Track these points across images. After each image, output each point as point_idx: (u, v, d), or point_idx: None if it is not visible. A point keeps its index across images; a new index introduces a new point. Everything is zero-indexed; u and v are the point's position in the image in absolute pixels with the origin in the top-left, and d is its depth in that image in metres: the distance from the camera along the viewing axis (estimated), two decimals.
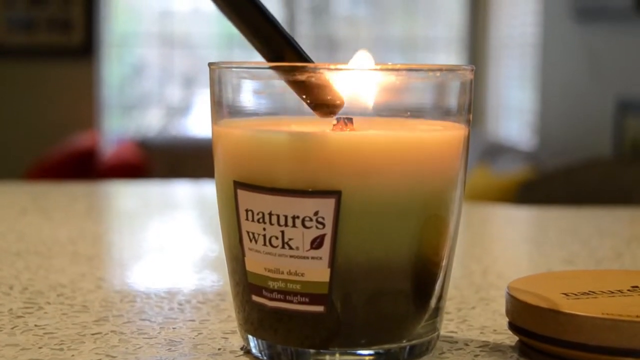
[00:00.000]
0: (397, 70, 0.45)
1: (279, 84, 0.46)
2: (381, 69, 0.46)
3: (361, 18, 5.40)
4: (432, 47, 4.97)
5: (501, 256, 0.78)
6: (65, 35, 4.25)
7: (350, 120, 0.47)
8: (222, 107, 0.48)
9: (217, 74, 0.48)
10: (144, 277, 0.67)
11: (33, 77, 4.27)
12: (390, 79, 0.45)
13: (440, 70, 0.46)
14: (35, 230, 0.83)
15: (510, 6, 4.29)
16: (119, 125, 4.73)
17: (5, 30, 4.22)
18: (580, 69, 3.55)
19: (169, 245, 0.81)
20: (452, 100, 0.47)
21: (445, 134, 0.46)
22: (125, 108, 4.88)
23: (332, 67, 0.46)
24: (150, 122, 4.86)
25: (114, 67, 4.69)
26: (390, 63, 0.46)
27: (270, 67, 0.46)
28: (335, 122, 0.46)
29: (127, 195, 1.17)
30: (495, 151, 3.57)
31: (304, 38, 5.17)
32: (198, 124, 4.95)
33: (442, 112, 0.47)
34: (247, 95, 0.48)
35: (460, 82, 0.47)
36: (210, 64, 0.48)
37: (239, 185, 0.45)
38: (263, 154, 0.45)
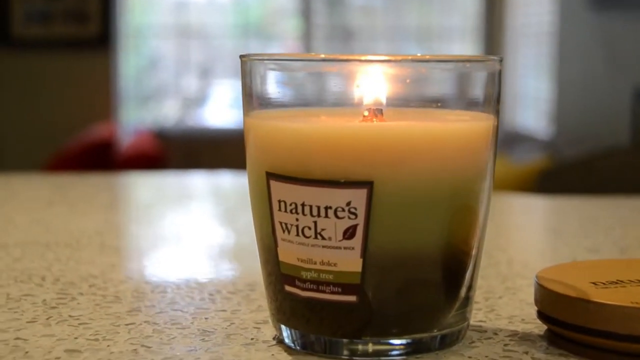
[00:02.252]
0: (427, 61, 0.46)
1: (309, 75, 0.47)
2: (411, 60, 0.46)
3: (376, 8, 5.39)
4: (448, 36, 4.96)
5: (525, 246, 0.78)
6: (81, 27, 4.26)
7: (380, 111, 0.47)
8: (253, 99, 0.49)
9: (249, 66, 0.48)
10: (173, 268, 0.68)
11: (50, 69, 4.29)
12: (419, 70, 0.46)
13: (468, 61, 0.47)
14: (62, 222, 0.84)
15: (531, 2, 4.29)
16: (136, 116, 4.75)
17: (22, 22, 4.23)
18: (597, 58, 3.53)
19: (193, 235, 0.81)
20: (481, 91, 0.47)
21: (475, 125, 0.47)
22: (142, 99, 4.89)
23: (362, 58, 0.46)
24: (167, 113, 4.87)
25: (131, 59, 4.70)
26: (418, 54, 0.47)
27: (300, 59, 0.46)
28: (365, 113, 0.47)
29: (148, 187, 1.18)
30: (513, 140, 3.57)
31: (320, 28, 5.17)
32: (214, 114, 4.96)
33: (470, 103, 0.48)
34: (277, 86, 0.48)
35: (489, 73, 0.47)
36: (241, 56, 0.49)
37: (271, 176, 0.46)
38: (296, 146, 0.45)
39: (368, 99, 0.47)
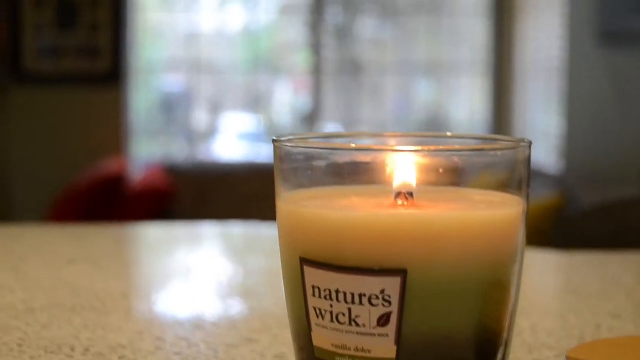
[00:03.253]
0: (459, 151, 0.46)
1: (341, 158, 0.48)
2: (444, 150, 0.47)
3: (386, 41, 5.43)
4: (457, 70, 4.99)
5: (548, 310, 0.79)
6: (92, 62, 4.29)
7: (411, 194, 0.48)
8: (285, 182, 0.49)
9: (281, 151, 0.49)
10: (200, 335, 0.68)
11: (61, 104, 4.31)
12: (452, 159, 0.46)
13: (500, 149, 0.48)
14: (87, 282, 0.84)
15: (535, 29, 4.30)
16: (147, 151, 4.77)
17: (34, 57, 4.26)
18: (608, 93, 3.55)
19: (221, 303, 0.82)
20: (511, 175, 0.48)
21: (507, 212, 0.47)
22: (153, 133, 4.91)
23: (395, 149, 0.47)
24: (177, 147, 4.89)
25: (141, 93, 4.73)
26: (449, 133, 0.47)
27: (333, 149, 0.47)
28: (395, 195, 0.47)
29: (171, 241, 1.19)
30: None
31: (329, 61, 5.20)
32: (225, 148, 4.98)
33: (501, 186, 0.48)
34: (309, 169, 0.49)
35: (519, 159, 0.48)
36: (274, 141, 0.50)
37: (305, 262, 0.46)
38: (330, 233, 0.46)
39: (399, 182, 0.48)
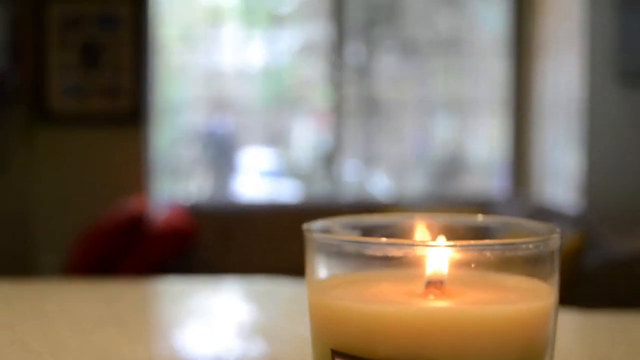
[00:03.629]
0: (492, 246, 0.47)
1: (373, 251, 0.48)
2: (476, 246, 0.47)
3: (405, 79, 5.45)
4: (477, 108, 4.99)
5: None
6: (115, 101, 4.33)
7: (442, 283, 0.48)
8: (314, 270, 0.50)
9: (312, 241, 0.49)
10: None
11: (85, 144, 4.34)
12: (484, 254, 0.47)
13: (533, 242, 0.48)
14: (114, 348, 0.85)
15: (555, 68, 4.30)
16: (168, 190, 4.78)
17: (59, 97, 4.31)
18: (628, 132, 3.54)
19: None
20: (542, 265, 0.48)
21: (538, 305, 0.47)
22: (174, 172, 4.93)
23: (427, 244, 0.47)
24: (199, 186, 4.91)
25: (163, 132, 4.76)
26: (480, 217, 0.48)
27: (365, 242, 0.48)
28: (426, 283, 0.48)
29: (194, 295, 1.19)
30: (542, 216, 3.56)
31: (350, 98, 5.22)
32: (246, 186, 4.99)
33: (532, 273, 0.49)
34: (339, 259, 0.49)
35: (550, 250, 0.48)
36: (305, 230, 0.50)
37: (336, 354, 0.47)
38: (361, 326, 0.46)
39: (430, 271, 0.48)
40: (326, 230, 0.50)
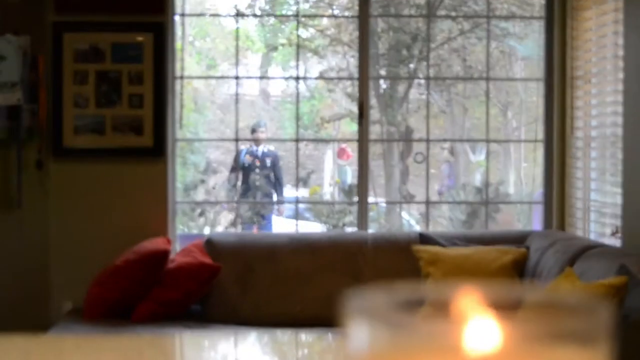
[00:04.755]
0: (544, 324, 0.47)
1: (414, 325, 0.49)
2: (528, 323, 0.48)
3: (434, 109, 5.47)
4: (513, 142, 4.98)
5: None
6: (135, 137, 4.35)
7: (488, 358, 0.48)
8: (356, 343, 0.51)
9: (354, 313, 0.50)
10: None
11: (104, 179, 4.37)
12: (536, 329, 0.47)
13: (586, 307, 0.48)
14: None
15: (593, 103, 4.30)
16: (190, 226, 4.80)
17: (75, 133, 4.34)
18: None
19: None
20: (596, 336, 0.49)
21: None
22: (194, 209, 4.96)
23: (475, 319, 0.47)
24: (219, 222, 4.93)
25: (183, 168, 4.79)
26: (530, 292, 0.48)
27: (407, 318, 0.48)
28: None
29: (218, 355, 1.20)
30: (583, 254, 3.54)
31: (376, 131, 5.23)
32: (269, 222, 5.02)
33: (584, 344, 0.49)
34: (382, 332, 0.50)
35: (599, 324, 0.49)
36: (346, 301, 0.51)
37: None
38: None
39: (477, 347, 0.48)
40: (368, 303, 0.50)
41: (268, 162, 6.39)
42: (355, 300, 0.51)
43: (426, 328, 0.48)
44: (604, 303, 0.50)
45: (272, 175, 6.15)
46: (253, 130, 6.65)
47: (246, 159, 6.25)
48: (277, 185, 6.39)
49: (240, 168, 6.06)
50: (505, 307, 0.53)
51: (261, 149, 6.57)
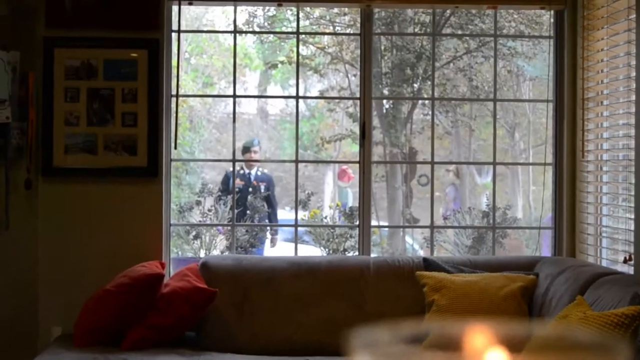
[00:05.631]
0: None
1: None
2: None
3: (438, 129, 5.46)
4: (518, 161, 4.97)
5: None
6: (128, 156, 4.34)
7: None
8: None
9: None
10: None
11: (95, 200, 4.35)
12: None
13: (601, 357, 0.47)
14: None
15: (603, 124, 4.30)
16: (184, 249, 4.78)
17: (66, 152, 4.33)
18: None
19: None
20: None
21: None
22: (189, 232, 4.94)
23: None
24: (214, 245, 4.91)
25: (178, 189, 4.77)
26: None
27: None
28: None
29: None
30: (595, 281, 3.52)
31: (379, 151, 5.22)
32: (267, 246, 4.99)
33: None
34: None
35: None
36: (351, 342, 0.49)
37: None
38: None
39: None
40: (374, 343, 0.49)
41: (262, 187, 6.06)
42: (359, 336, 0.49)
43: None
44: (621, 342, 0.48)
45: (265, 203, 5.78)
46: (245, 150, 6.31)
47: (237, 184, 5.81)
48: (272, 214, 5.93)
49: (229, 194, 5.48)
50: (515, 344, 0.52)
51: (254, 172, 6.21)
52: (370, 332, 0.51)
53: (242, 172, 5.92)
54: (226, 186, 5.50)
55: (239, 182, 5.58)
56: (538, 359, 0.46)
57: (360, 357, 0.49)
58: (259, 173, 6.18)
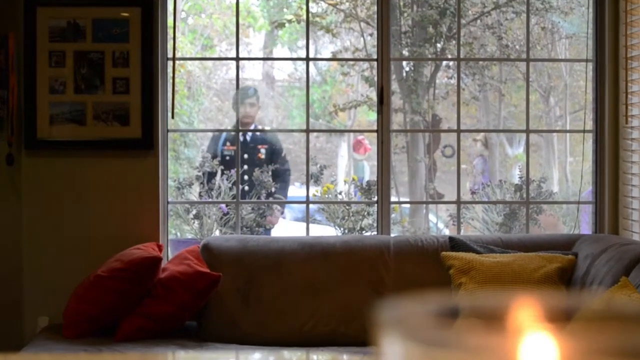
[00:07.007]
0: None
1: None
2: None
3: (464, 94, 5.46)
4: (554, 127, 4.96)
5: None
6: (120, 127, 4.34)
7: None
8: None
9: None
10: None
11: (84, 175, 4.36)
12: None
13: None
14: None
15: None
16: (183, 229, 4.79)
17: (51, 123, 4.33)
18: None
19: None
20: None
21: None
22: (190, 209, 4.95)
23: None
24: (216, 225, 4.91)
25: (176, 163, 4.77)
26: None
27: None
28: None
29: None
30: (630, 257, 3.53)
31: (397, 114, 5.22)
32: (275, 224, 5.00)
33: None
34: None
35: None
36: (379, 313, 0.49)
37: None
38: None
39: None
40: (402, 316, 0.49)
41: (262, 152, 5.47)
42: (387, 313, 0.49)
43: (476, 344, 0.46)
44: None
45: (269, 173, 5.16)
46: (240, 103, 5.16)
47: (225, 150, 5.37)
48: (282, 187, 5.28)
49: (219, 164, 5.12)
50: (559, 319, 0.51)
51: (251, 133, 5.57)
52: (401, 307, 0.50)
53: (233, 134, 5.08)
54: (213, 151, 5.18)
55: (230, 147, 5.27)
56: (588, 329, 0.45)
57: (391, 341, 0.49)
58: (257, 133, 5.66)
